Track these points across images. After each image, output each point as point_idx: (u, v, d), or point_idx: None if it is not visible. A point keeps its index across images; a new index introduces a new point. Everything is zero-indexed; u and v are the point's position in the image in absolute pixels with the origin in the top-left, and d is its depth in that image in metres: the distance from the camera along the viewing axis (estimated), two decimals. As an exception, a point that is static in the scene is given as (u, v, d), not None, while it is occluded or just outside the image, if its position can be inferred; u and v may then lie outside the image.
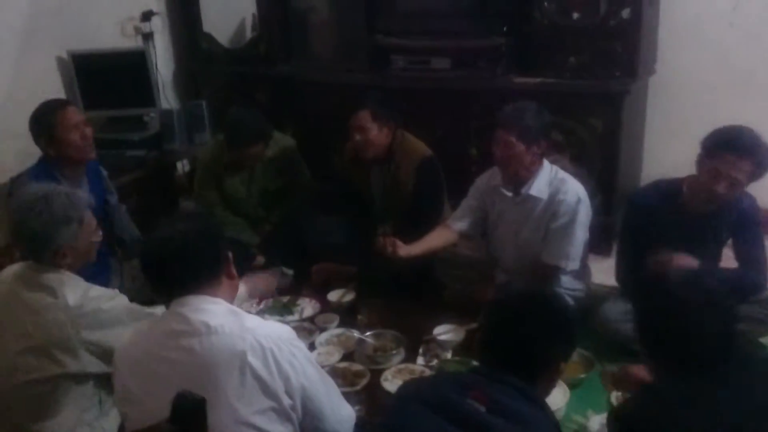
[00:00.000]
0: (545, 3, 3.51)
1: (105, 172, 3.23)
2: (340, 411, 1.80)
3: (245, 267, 3.42)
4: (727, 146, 2.44)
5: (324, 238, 3.50)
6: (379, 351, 2.77)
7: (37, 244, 2.04)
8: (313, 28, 4.16)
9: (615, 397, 2.44)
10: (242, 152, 3.38)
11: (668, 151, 3.81)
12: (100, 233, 2.24)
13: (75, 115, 2.91)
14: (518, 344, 1.55)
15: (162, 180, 4.07)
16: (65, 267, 2.08)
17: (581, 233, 2.78)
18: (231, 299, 1.78)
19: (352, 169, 3.38)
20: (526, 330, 1.56)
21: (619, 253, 2.90)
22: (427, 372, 2.63)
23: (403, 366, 2.69)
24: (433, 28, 3.76)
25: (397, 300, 3.10)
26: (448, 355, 2.75)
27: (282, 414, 1.65)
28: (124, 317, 2.07)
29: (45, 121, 2.86)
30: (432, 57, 3.76)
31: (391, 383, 2.57)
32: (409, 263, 2.96)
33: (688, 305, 1.59)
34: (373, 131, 3.11)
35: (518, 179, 2.80)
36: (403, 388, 1.73)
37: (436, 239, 2.98)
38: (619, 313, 2.67)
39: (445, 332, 2.84)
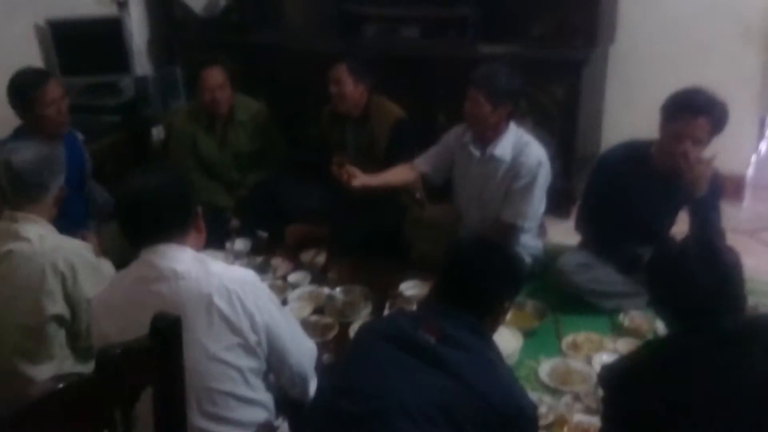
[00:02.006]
0: (509, -26, 3.65)
1: (81, 138, 3.31)
2: (303, 345, 1.93)
3: (221, 230, 3.57)
4: (684, 107, 2.60)
5: (298, 202, 3.63)
6: (348, 305, 2.94)
7: (29, 193, 2.19)
8: (285, -3, 4.25)
9: (565, 344, 2.64)
10: (206, 77, 3.47)
11: (627, 117, 3.95)
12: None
13: (54, 90, 2.96)
14: (468, 283, 1.71)
15: (137, 145, 4.14)
16: (40, 213, 2.21)
17: (539, 195, 2.95)
18: (198, 250, 1.90)
19: (328, 128, 3.52)
20: (476, 270, 1.72)
21: (582, 205, 3.08)
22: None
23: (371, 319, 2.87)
24: (404, -4, 3.87)
25: (366, 259, 3.26)
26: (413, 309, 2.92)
27: (248, 349, 1.78)
28: (96, 266, 2.23)
29: (24, 94, 2.92)
30: (401, 26, 3.89)
31: (358, 334, 2.75)
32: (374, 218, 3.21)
33: (701, 275, 1.57)
34: (349, 85, 3.27)
35: (485, 138, 2.95)
36: (361, 327, 1.88)
37: (395, 175, 3.11)
38: (574, 264, 2.86)
39: (410, 288, 3.01)
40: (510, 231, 2.96)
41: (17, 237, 2.15)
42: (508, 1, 3.71)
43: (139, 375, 1.17)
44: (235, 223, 3.66)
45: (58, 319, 2.17)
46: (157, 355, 1.17)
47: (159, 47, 4.66)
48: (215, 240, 3.25)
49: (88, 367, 2.23)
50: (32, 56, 3.96)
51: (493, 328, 1.77)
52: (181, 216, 1.83)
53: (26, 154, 2.24)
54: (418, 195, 3.49)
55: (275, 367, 1.88)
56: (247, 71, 4.30)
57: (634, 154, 2.87)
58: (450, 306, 1.69)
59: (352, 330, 2.76)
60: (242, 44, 4.32)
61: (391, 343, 1.64)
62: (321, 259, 3.31)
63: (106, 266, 2.48)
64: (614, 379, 1.63)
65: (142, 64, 4.43)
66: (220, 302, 1.73)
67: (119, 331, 1.79)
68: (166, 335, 1.17)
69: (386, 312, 2.90)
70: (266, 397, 1.89)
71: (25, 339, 2.16)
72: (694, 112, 2.60)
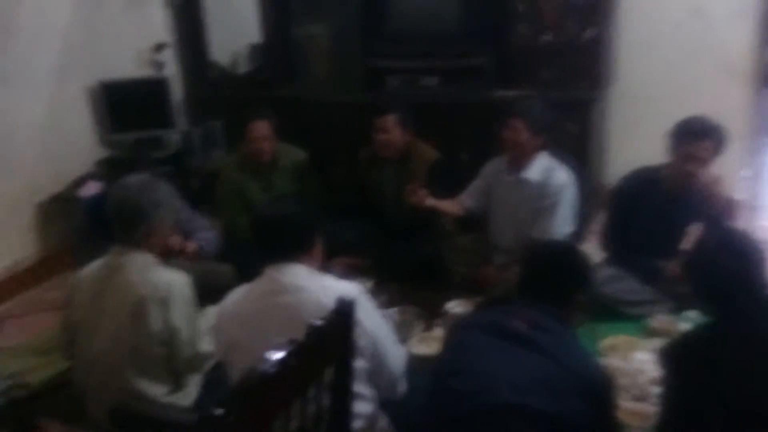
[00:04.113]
0: (520, 26, 4.09)
1: None
2: (398, 350, 2.25)
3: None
4: (690, 132, 3.02)
5: (335, 238, 3.91)
6: (403, 323, 3.25)
7: (137, 218, 2.41)
8: (312, 54, 4.63)
9: (603, 346, 2.98)
10: (254, 129, 3.82)
11: (628, 149, 4.33)
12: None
13: None
14: (547, 279, 2.07)
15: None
16: (148, 248, 2.45)
17: (565, 213, 3.32)
18: (317, 268, 2.24)
19: (369, 169, 3.88)
20: (553, 268, 2.08)
21: (606, 226, 3.46)
22: (446, 339, 3.13)
23: (425, 334, 3.18)
24: (422, 50, 4.27)
25: (410, 283, 3.59)
26: (460, 325, 3.24)
27: (359, 351, 2.05)
28: (189, 299, 2.47)
29: None
30: (422, 76, 4.29)
31: (417, 348, 3.05)
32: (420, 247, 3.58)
33: (722, 264, 1.88)
34: (396, 134, 3.64)
35: (519, 165, 3.34)
36: (457, 323, 2.22)
37: (451, 206, 3.52)
38: (604, 277, 3.20)
39: (456, 306, 3.33)
40: None
41: (122, 270, 2.43)
42: (518, 49, 4.15)
43: (331, 346, 1.49)
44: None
45: (163, 342, 2.42)
46: (341, 330, 1.49)
47: (192, 104, 5.02)
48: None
49: (185, 392, 2.54)
50: (85, 115, 4.34)
51: (571, 317, 2.11)
52: (304, 241, 2.18)
53: (121, 190, 2.49)
54: (448, 227, 3.86)
55: (375, 368, 2.16)
56: (278, 123, 4.68)
57: (647, 178, 3.27)
58: (533, 299, 2.04)
59: (411, 345, 3.08)
60: (273, 98, 4.66)
61: (488, 333, 1.98)
62: (368, 285, 3.62)
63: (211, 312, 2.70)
64: (675, 353, 1.97)
65: (180, 120, 4.80)
66: None
67: (248, 338, 2.10)
68: (348, 314, 1.50)
69: (436, 329, 3.24)
70: (371, 393, 2.19)
71: (139, 361, 2.42)
72: (699, 135, 3.02)
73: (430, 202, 3.35)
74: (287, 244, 2.14)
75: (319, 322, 1.45)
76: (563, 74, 4.08)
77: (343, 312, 1.52)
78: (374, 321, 2.15)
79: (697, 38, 4.18)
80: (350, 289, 2.15)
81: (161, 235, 2.52)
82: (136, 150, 4.36)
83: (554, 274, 2.08)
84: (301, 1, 4.60)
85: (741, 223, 4.22)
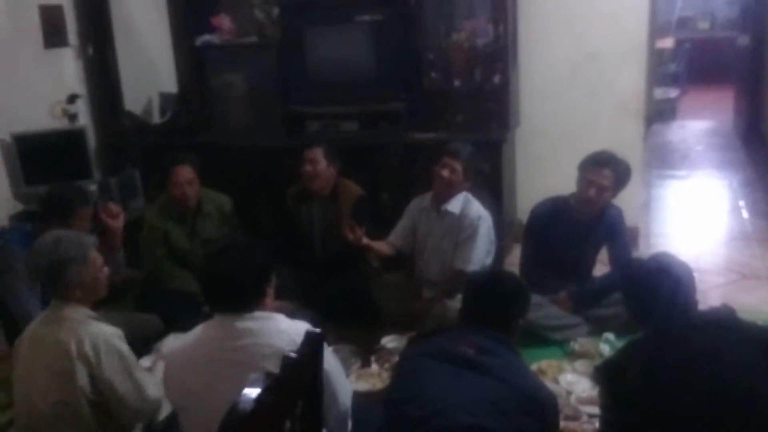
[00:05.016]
0: (432, 73, 4.33)
1: None
2: (347, 387, 2.33)
3: (193, 317, 3.84)
4: (593, 162, 3.37)
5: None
6: (341, 362, 3.32)
7: (49, 280, 2.47)
8: (231, 102, 4.67)
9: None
10: (177, 173, 3.84)
11: (535, 185, 4.58)
12: (107, 270, 2.63)
13: (86, 211, 3.38)
14: (489, 306, 2.22)
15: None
16: (76, 301, 2.47)
17: (482, 244, 3.53)
18: (269, 310, 2.28)
19: (295, 207, 3.97)
20: (494, 296, 2.23)
21: (522, 254, 3.70)
22: (384, 374, 3.23)
23: (362, 371, 3.27)
24: (341, 96, 4.43)
25: (344, 322, 3.67)
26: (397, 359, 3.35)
27: None
28: (122, 353, 2.47)
29: (66, 208, 3.31)
30: (342, 121, 4.44)
31: (355, 384, 3.13)
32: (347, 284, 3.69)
33: (659, 285, 2.06)
34: (322, 165, 3.77)
35: (442, 200, 3.54)
36: (406, 349, 2.33)
37: (383, 246, 3.65)
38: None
39: (390, 341, 3.45)
40: (461, 276, 3.43)
41: (56, 325, 2.43)
42: (431, 95, 4.39)
43: (303, 379, 1.56)
44: (206, 309, 3.94)
45: (86, 397, 2.41)
46: (311, 363, 1.58)
47: (107, 154, 4.96)
48: (191, 324, 3.54)
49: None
50: (-1, 168, 4.22)
51: (514, 339, 2.26)
52: (255, 295, 2.20)
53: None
54: (375, 264, 3.98)
55: (327, 406, 2.17)
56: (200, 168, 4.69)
57: (557, 205, 3.58)
58: (477, 325, 2.18)
59: (348, 381, 3.15)
60: (191, 146, 4.65)
61: (438, 360, 2.10)
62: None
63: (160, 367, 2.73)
64: (608, 371, 2.12)
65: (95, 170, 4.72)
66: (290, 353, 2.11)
67: (204, 384, 2.13)
68: (317, 347, 1.58)
69: (373, 365, 3.33)
70: (322, 432, 2.27)
71: (70, 415, 2.41)
72: (600, 164, 3.37)
73: (366, 241, 3.47)
74: (237, 300, 2.16)
75: (292, 355, 1.53)
76: (473, 117, 4.34)
77: (312, 345, 1.60)
78: (327, 361, 2.19)
79: (593, 80, 4.53)
80: (305, 329, 2.21)
81: (84, 287, 2.50)
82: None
83: (497, 300, 2.23)
84: (217, 49, 4.66)
85: (639, 249, 4.60)
